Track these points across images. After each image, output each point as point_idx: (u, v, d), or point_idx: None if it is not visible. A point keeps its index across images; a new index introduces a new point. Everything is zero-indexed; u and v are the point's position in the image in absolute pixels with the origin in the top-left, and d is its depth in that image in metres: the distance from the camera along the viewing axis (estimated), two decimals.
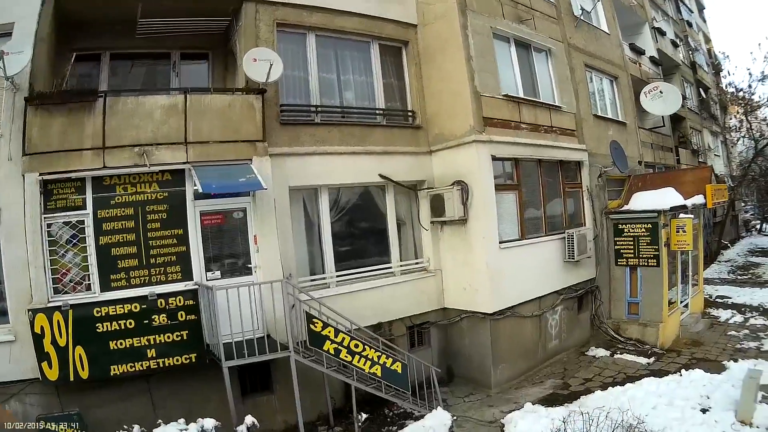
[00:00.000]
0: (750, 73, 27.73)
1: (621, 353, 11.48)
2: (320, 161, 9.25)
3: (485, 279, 9.80)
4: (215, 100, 8.15)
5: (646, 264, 12.46)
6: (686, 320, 13.43)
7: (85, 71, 9.01)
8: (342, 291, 9.32)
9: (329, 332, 7.59)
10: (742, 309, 14.76)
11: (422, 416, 8.18)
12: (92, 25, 8.61)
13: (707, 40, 34.19)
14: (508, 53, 11.15)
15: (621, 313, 12.96)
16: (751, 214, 42.58)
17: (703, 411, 7.77)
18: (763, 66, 27.47)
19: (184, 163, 7.69)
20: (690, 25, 29.53)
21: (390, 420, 8.72)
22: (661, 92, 15.67)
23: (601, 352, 11.62)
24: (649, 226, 12.37)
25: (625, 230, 12.74)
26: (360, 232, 10.33)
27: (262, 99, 8.38)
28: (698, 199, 13.07)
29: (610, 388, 9.20)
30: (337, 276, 9.53)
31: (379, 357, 7.95)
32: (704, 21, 36.92)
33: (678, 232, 12.40)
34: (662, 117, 17.38)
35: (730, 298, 16.26)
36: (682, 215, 12.48)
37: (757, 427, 7.21)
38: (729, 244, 28.41)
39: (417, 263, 10.67)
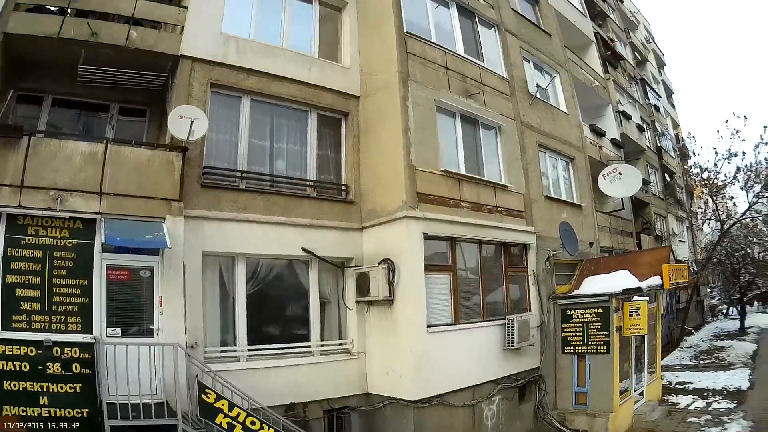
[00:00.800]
0: (716, 152, 28.09)
1: None
2: (240, 228, 8.86)
3: (409, 364, 9.18)
4: (135, 153, 7.95)
5: (595, 351, 11.87)
6: (641, 409, 12.79)
7: (27, 113, 8.95)
8: (253, 366, 8.74)
9: (223, 405, 7.19)
10: (704, 394, 14.22)
11: None
12: (38, 66, 8.72)
13: (675, 125, 34.92)
14: (452, 128, 10.93)
15: (568, 403, 12.19)
16: (718, 300, 42.63)
17: None
18: (730, 143, 27.79)
19: (96, 213, 7.45)
20: (657, 109, 30.12)
21: None
22: (620, 174, 15.54)
23: None
24: (600, 310, 11.87)
25: (574, 316, 12.22)
26: (279, 306, 9.76)
27: (183, 157, 8.15)
28: (655, 281, 12.42)
29: None
30: (249, 350, 8.92)
31: None
32: (673, 106, 37.86)
33: (632, 315, 11.87)
34: (622, 200, 17.29)
35: (692, 383, 15.66)
36: (636, 298, 11.94)
37: None
38: (693, 330, 28.09)
39: (340, 344, 10.06)
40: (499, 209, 11.23)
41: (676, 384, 15.78)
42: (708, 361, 20.09)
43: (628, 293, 11.71)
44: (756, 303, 40.72)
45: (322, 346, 9.78)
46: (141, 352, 6.89)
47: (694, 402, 13.53)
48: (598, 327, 11.83)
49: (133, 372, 6.71)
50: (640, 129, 24.13)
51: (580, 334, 12.12)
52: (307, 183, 10.06)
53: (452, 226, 9.96)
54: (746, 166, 24.29)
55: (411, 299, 9.21)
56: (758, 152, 24.04)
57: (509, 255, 11.68)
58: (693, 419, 12.09)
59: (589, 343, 11.96)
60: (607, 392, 11.56)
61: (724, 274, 34.84)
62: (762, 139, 23.69)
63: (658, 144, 28.22)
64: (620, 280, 12.08)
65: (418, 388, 9.15)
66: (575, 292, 12.61)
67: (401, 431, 9.39)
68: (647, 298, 12.21)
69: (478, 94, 11.43)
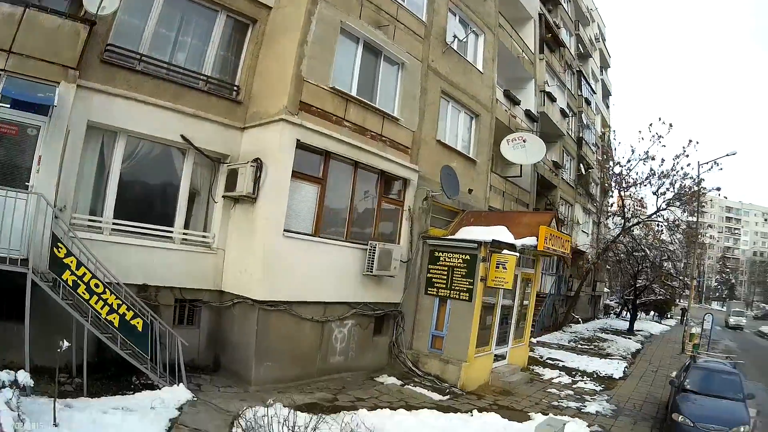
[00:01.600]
0: (633, 150, 28.77)
1: (414, 386, 10.95)
2: (127, 106, 8.91)
3: (260, 263, 9.40)
4: (49, 20, 7.99)
5: (457, 297, 12.05)
6: (501, 370, 13.13)
7: None
8: (115, 240, 8.88)
9: (71, 262, 7.37)
10: (573, 372, 14.79)
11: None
12: None
13: (605, 125, 35.90)
14: (353, 52, 11.06)
15: (423, 345, 12.42)
16: (615, 302, 45.02)
17: None
18: (649, 145, 28.47)
19: (2, 70, 7.56)
20: (588, 103, 30.94)
21: (133, 387, 8.10)
22: (524, 142, 16.08)
23: (392, 381, 11.15)
24: (467, 257, 12.05)
25: (441, 259, 12.41)
26: (150, 189, 9.86)
27: (90, 30, 8.18)
28: (530, 241, 12.69)
29: (379, 410, 8.76)
30: (114, 224, 9.00)
31: (119, 305, 7.69)
32: (607, 107, 39.04)
33: (498, 268, 11.93)
34: (521, 168, 17.82)
35: (564, 362, 16.22)
36: (506, 252, 11.95)
37: None
38: (580, 320, 29.17)
39: (202, 236, 10.19)
40: (383, 138, 11.47)
41: (546, 359, 16.37)
42: (587, 347, 20.82)
43: (498, 245, 11.87)
44: (653, 313, 42.85)
45: (184, 234, 9.91)
46: (8, 204, 6.95)
47: (560, 377, 14.02)
48: (464, 273, 12.05)
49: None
50: (564, 114, 24.74)
51: (446, 277, 12.31)
52: (201, 77, 10.05)
53: (329, 140, 10.13)
54: (662, 172, 24.93)
55: (272, 200, 9.42)
56: (677, 163, 24.68)
57: (387, 186, 11.97)
58: (554, 390, 12.51)
59: (453, 287, 12.16)
60: (464, 341, 11.79)
61: (621, 274, 36.47)
62: (684, 150, 24.48)
63: (581, 135, 28.90)
64: (495, 233, 12.21)
65: (266, 288, 9.39)
66: (447, 236, 12.88)
67: (245, 332, 9.62)
68: (517, 254, 12.31)
69: (389, 27, 11.55)
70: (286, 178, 9.49)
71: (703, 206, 27.94)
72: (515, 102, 18.44)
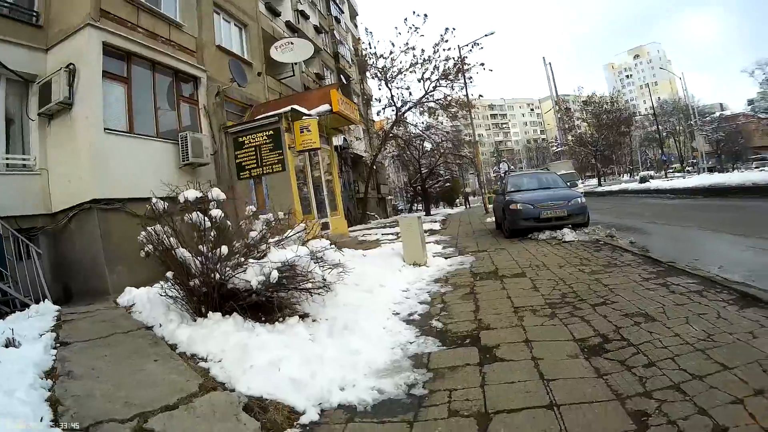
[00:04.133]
0: (392, 44, 30.68)
1: None
2: None
3: (88, 164, 9.90)
4: None
5: (271, 171, 12.96)
6: (333, 238, 13.37)
7: None
8: None
9: None
10: (395, 234, 16.70)
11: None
12: None
13: (356, 41, 39.63)
14: None
15: None
16: (403, 207, 50.17)
17: None
18: (408, 38, 30.49)
19: None
20: (338, 21, 34.01)
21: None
22: (292, 44, 18.29)
23: None
24: (271, 132, 13.02)
25: (246, 142, 13.42)
26: None
27: None
28: (325, 107, 13.90)
29: None
30: None
31: None
32: (355, 26, 42.79)
33: (302, 132, 13.02)
34: (292, 67, 20.17)
35: (379, 231, 19.17)
36: (306, 117, 13.12)
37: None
38: (377, 216, 32.48)
39: (23, 159, 10.30)
40: (172, 42, 12.88)
41: (364, 233, 18.94)
42: (391, 222, 24.56)
43: (297, 113, 13.07)
44: (441, 203, 48.06)
45: (6, 159, 9.97)
46: None
47: (385, 236, 16.70)
48: (271, 147, 13.04)
49: None
50: (318, 31, 27.23)
51: (255, 157, 13.23)
52: (4, 4, 10.11)
53: (129, 43, 11.22)
54: (425, 59, 27.30)
55: (89, 99, 10.08)
56: (439, 48, 27.06)
57: (182, 86, 13.26)
58: (387, 240, 15.03)
59: (264, 164, 13.12)
60: (289, 208, 11.68)
61: (404, 167, 39.65)
62: (442, 38, 27.00)
63: (336, 50, 31.70)
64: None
65: (98, 186, 9.85)
66: (247, 121, 14.17)
67: (90, 241, 9.79)
68: (317, 117, 13.59)
69: None
70: (98, 77, 10.35)
71: (471, 79, 29.85)
72: (276, 14, 20.47)
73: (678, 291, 5.78)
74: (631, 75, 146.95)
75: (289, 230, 6.20)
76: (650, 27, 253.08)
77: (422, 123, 33.07)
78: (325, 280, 5.62)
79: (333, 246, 6.22)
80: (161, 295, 5.66)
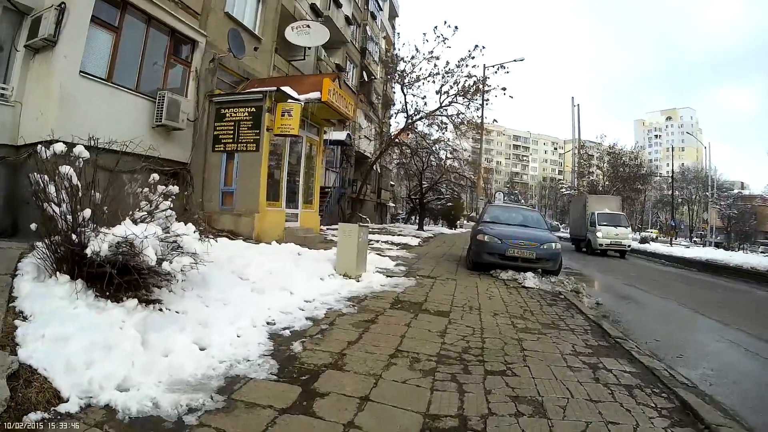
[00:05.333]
0: (417, 49, 30.13)
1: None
2: None
3: (57, 101, 9.70)
4: None
5: (245, 149, 12.68)
6: (295, 228, 14.24)
7: None
8: None
9: None
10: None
11: None
12: None
13: (389, 43, 39.08)
14: None
15: (215, 204, 12.92)
16: (402, 216, 49.82)
17: None
18: (434, 46, 30.24)
19: None
20: (374, 18, 33.61)
21: None
22: (308, 27, 17.67)
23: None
24: (253, 109, 12.68)
25: (227, 115, 13.08)
26: None
27: None
28: (314, 95, 13.36)
29: None
30: None
31: None
32: (393, 27, 42.42)
33: (284, 115, 12.61)
34: (304, 51, 19.62)
35: None
36: (291, 100, 12.71)
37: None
38: (369, 219, 30.86)
39: (1, 87, 9.97)
40: (175, 0, 12.46)
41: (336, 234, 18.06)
42: (378, 230, 24.29)
43: (283, 95, 12.62)
44: (442, 221, 47.79)
45: None
46: None
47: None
48: (250, 125, 12.71)
49: None
50: (349, 22, 26.50)
51: (232, 132, 12.89)
52: None
53: None
54: (447, 71, 26.01)
55: (71, 40, 9.83)
56: (463, 64, 25.74)
57: (177, 46, 12.81)
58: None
59: (240, 141, 12.79)
60: (254, 192, 12.47)
61: (408, 177, 38.94)
62: (470, 53, 25.76)
63: (365, 45, 31.01)
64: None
65: (64, 126, 9.18)
66: (233, 92, 13.78)
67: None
68: (302, 102, 13.08)
69: None
70: (85, 21, 10.10)
71: (488, 101, 28.81)
72: None
73: (604, 380, 4.74)
74: (660, 135, 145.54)
75: (156, 209, 5.66)
76: (687, 88, 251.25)
77: (434, 134, 31.71)
78: (160, 265, 4.99)
79: (196, 233, 5.60)
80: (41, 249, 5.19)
